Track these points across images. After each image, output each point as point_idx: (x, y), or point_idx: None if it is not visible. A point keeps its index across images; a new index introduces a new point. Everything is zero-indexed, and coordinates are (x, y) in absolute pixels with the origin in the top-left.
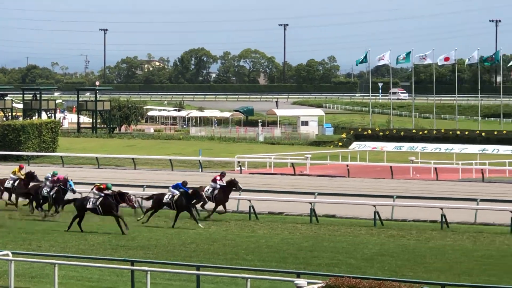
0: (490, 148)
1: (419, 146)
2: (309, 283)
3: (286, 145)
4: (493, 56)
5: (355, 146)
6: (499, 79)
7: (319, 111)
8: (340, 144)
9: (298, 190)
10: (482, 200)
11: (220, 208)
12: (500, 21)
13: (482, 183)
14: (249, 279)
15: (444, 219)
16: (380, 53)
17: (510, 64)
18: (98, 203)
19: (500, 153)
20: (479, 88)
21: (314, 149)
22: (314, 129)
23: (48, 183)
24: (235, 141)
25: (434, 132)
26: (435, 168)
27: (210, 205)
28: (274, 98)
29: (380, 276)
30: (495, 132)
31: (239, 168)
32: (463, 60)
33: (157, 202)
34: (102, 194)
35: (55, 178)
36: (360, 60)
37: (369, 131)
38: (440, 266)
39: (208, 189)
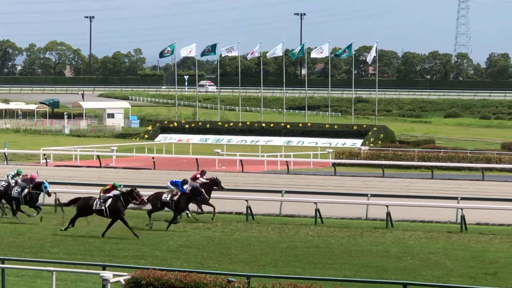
0: (295, 140)
1: (225, 139)
2: (115, 276)
3: (92, 138)
4: (299, 50)
5: (161, 138)
6: (304, 71)
7: (125, 104)
8: (146, 136)
9: (104, 182)
10: (287, 192)
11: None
12: (304, 14)
13: (287, 175)
14: (54, 272)
15: (249, 211)
16: (187, 45)
17: (313, 56)
18: (107, 205)
19: (305, 145)
20: (284, 80)
21: (120, 142)
22: (120, 122)
23: (19, 181)
24: (41, 134)
25: (240, 124)
26: (241, 160)
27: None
28: (80, 91)
29: (186, 268)
30: (300, 125)
31: (45, 160)
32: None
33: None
34: (111, 195)
35: (28, 177)
36: (166, 53)
37: (175, 124)
38: (246, 257)
39: (187, 188)
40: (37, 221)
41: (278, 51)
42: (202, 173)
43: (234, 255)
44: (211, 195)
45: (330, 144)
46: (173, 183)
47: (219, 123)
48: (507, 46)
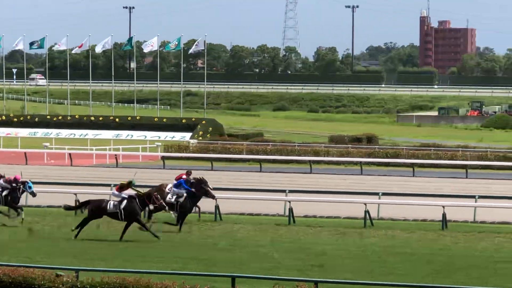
0: (124, 134)
1: (53, 132)
2: None
3: None
4: (127, 42)
5: None
6: (133, 65)
7: None
8: None
9: None
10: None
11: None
12: (133, 7)
13: (116, 169)
14: None
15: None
16: (15, 38)
17: (145, 50)
18: (122, 206)
19: (134, 138)
20: (112, 74)
21: None
22: None
23: (1, 182)
24: None
25: (69, 118)
26: (69, 154)
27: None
28: None
29: (14, 262)
30: (129, 118)
31: None
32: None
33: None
34: (125, 196)
35: (12, 178)
36: None
37: (3, 117)
38: (75, 251)
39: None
40: (18, 223)
41: (107, 45)
42: (188, 173)
43: (63, 249)
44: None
45: (159, 137)
46: (177, 184)
47: (48, 117)
48: (334, 40)
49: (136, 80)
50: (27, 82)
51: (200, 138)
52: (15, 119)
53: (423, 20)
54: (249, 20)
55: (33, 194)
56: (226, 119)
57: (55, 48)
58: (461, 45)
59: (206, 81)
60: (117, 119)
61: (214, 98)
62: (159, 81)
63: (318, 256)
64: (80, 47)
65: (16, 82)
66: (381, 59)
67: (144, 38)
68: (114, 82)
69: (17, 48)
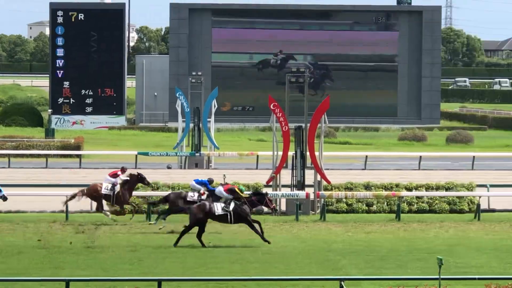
0: None
1: None
2: None
3: None
4: None
5: None
6: None
7: None
8: None
9: None
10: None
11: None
12: None
13: None
14: None
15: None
16: None
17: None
18: (231, 208)
19: None
20: None
21: None
22: None
23: None
24: None
25: None
26: None
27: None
28: None
29: None
30: None
31: None
32: None
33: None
34: (231, 197)
35: None
36: None
37: None
38: None
39: (108, 186)
40: None
41: None
42: (123, 170)
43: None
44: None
45: None
46: (199, 182)
47: None
48: None
49: None
50: None
51: None
52: None
53: None
54: None
55: (4, 198)
56: None
57: None
58: None
59: None
60: None
61: None
62: None
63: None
64: None
65: None
66: None
67: None
68: None
69: None
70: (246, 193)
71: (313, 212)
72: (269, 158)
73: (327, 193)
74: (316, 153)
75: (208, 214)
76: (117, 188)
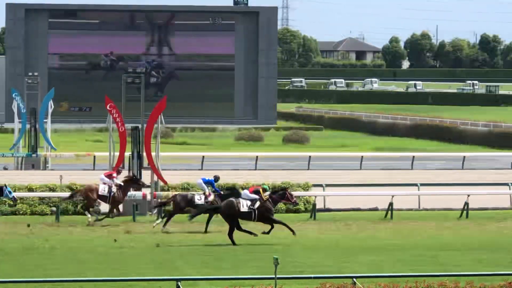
0: None
1: None
2: None
3: None
4: None
5: None
6: None
7: None
8: None
9: None
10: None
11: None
12: None
13: None
14: None
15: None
16: None
17: None
18: (256, 206)
19: None
20: None
21: None
22: None
23: None
24: None
25: None
26: None
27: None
28: None
29: None
30: None
31: None
32: None
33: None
34: (256, 197)
35: None
36: None
37: None
38: None
39: (105, 188)
40: None
41: None
42: (118, 172)
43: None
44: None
45: None
46: (207, 181)
47: None
48: None
49: None
50: None
51: None
52: None
53: None
54: None
55: (14, 200)
56: None
57: None
58: None
59: None
60: None
61: None
62: None
63: None
64: None
65: None
66: None
67: None
68: None
69: None
70: (266, 194)
71: (150, 213)
72: (106, 159)
73: (164, 193)
74: (153, 154)
75: (237, 213)
76: (114, 189)
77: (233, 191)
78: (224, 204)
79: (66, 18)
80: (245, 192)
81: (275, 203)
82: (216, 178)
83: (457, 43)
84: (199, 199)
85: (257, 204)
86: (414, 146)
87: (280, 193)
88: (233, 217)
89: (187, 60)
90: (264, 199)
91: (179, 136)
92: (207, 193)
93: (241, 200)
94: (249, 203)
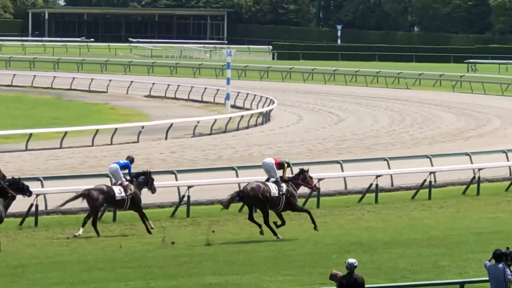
0: None
1: None
2: None
3: None
4: None
5: None
6: None
7: None
8: None
9: None
10: None
11: None
12: None
13: None
14: None
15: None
16: None
17: None
18: (284, 191)
19: None
20: None
21: None
22: None
23: None
24: None
25: None
26: None
27: None
28: None
29: None
30: None
31: None
32: None
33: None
34: (280, 174)
35: None
36: None
37: None
38: None
39: (120, 189)
40: None
41: None
42: (132, 160)
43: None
44: None
45: None
46: (123, 165)
47: None
48: None
49: None
50: None
51: None
52: None
53: None
54: None
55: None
56: None
57: None
58: None
59: None
60: None
61: None
62: None
63: None
64: None
65: None
66: None
67: None
68: None
69: None
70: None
71: None
72: None
73: None
74: None
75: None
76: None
77: (146, 175)
78: (251, 189)
79: None
80: (271, 162)
81: (298, 187)
82: (132, 160)
83: None
84: (119, 193)
85: (284, 187)
86: None
87: (302, 176)
88: (265, 203)
89: None
90: (285, 179)
91: None
92: (124, 183)
93: (269, 183)
94: (276, 186)
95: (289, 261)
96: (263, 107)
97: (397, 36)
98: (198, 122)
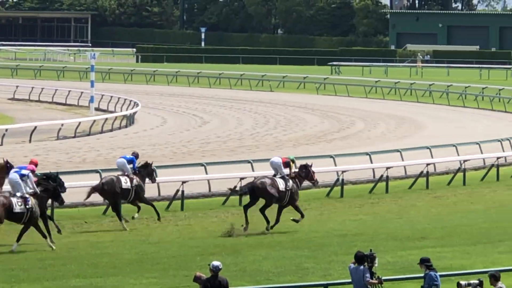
0: None
1: None
2: None
3: None
4: None
5: None
6: None
7: None
8: None
9: None
10: None
11: None
12: None
13: None
14: None
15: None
16: None
17: None
18: (290, 186)
19: None
20: None
21: None
22: None
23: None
24: None
25: None
26: None
27: None
28: None
29: None
30: None
31: None
32: None
33: None
34: (287, 172)
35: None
36: None
37: None
38: None
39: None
40: None
41: None
42: (137, 156)
43: None
44: None
45: None
46: (129, 160)
47: None
48: None
49: None
50: None
51: None
52: None
53: None
54: None
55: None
56: None
57: None
58: None
59: None
60: None
61: None
62: None
63: None
64: None
65: None
66: None
67: None
68: None
69: None
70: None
71: None
72: None
73: None
74: None
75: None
76: (138, 180)
77: (148, 167)
78: (260, 183)
79: None
80: (277, 162)
81: (301, 182)
82: (137, 155)
83: None
84: (125, 182)
85: (290, 183)
86: None
87: (305, 171)
88: (272, 197)
89: None
90: (292, 175)
91: None
92: (130, 176)
93: (277, 179)
94: (283, 181)
95: (153, 263)
96: (127, 109)
97: (261, 39)
98: (62, 125)
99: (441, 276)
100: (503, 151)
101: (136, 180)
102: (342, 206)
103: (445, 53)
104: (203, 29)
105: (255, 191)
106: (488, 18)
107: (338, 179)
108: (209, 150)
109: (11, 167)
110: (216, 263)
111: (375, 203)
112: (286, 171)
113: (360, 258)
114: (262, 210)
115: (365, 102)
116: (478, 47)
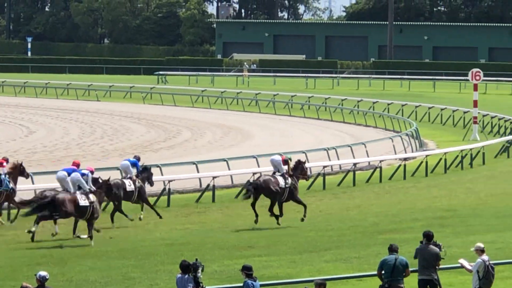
0: None
1: None
2: None
3: None
4: None
5: None
6: None
7: None
8: None
9: None
10: None
11: None
12: None
13: None
14: None
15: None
16: None
17: None
18: (290, 184)
19: None
20: None
21: None
22: None
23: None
24: None
25: None
26: None
27: None
28: None
29: None
30: None
31: None
32: None
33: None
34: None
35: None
36: None
37: None
38: None
39: (130, 182)
40: None
41: None
42: (139, 158)
43: None
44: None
45: None
46: (133, 163)
47: None
48: None
49: None
50: None
51: None
52: None
53: None
54: None
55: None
56: None
57: None
58: None
59: None
60: None
61: None
62: None
63: None
64: None
65: None
66: None
67: None
68: None
69: None
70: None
71: None
72: None
73: None
74: None
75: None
76: (140, 182)
77: (147, 169)
78: (264, 181)
79: None
80: (277, 160)
81: (298, 179)
82: (139, 158)
83: None
84: (129, 185)
85: (289, 180)
86: None
87: (300, 167)
88: (275, 194)
89: None
90: (290, 173)
91: None
92: (133, 177)
93: (277, 176)
94: (282, 179)
95: None
96: None
97: (88, 48)
98: None
99: (267, 285)
100: (329, 159)
101: (138, 182)
102: (169, 215)
103: (272, 62)
104: (29, 39)
105: (258, 189)
106: (314, 27)
107: (164, 189)
108: (35, 160)
109: (24, 169)
110: (43, 273)
111: (201, 212)
112: (284, 168)
113: (185, 268)
114: (270, 208)
115: (191, 111)
116: (304, 56)
